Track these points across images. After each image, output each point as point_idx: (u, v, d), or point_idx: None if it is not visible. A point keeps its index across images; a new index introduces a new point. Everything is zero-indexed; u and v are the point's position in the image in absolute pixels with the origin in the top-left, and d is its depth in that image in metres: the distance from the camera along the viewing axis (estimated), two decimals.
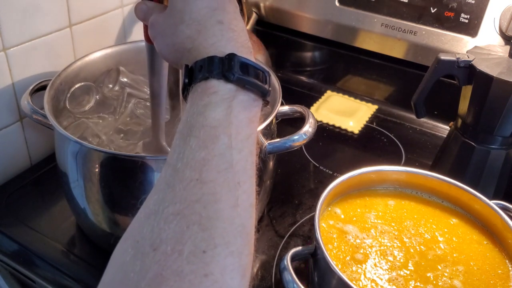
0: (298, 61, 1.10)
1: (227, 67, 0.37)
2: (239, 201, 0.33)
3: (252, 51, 0.41)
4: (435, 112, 0.94)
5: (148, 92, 0.75)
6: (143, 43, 0.53)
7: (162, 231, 0.31)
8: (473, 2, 0.84)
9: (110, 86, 0.73)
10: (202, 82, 0.37)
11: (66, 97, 0.68)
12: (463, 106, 0.70)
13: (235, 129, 0.36)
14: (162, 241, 0.30)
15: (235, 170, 0.34)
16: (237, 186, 0.34)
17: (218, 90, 0.37)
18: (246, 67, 0.38)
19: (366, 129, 0.93)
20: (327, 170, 0.82)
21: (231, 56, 0.38)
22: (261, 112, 0.40)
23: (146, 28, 0.51)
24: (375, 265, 0.52)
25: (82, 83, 0.70)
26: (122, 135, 0.68)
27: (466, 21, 0.86)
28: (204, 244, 0.30)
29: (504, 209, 0.57)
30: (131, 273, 0.30)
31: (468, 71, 0.66)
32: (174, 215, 0.31)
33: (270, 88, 0.40)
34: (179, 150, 0.35)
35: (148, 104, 0.69)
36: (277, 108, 0.61)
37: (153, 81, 0.56)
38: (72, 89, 0.68)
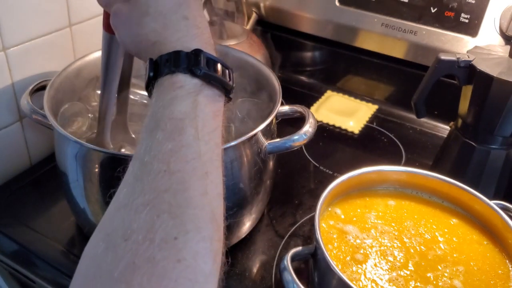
0: (298, 61, 1.10)
1: (194, 62, 0.37)
2: (207, 190, 0.34)
3: (215, 49, 0.41)
4: (436, 112, 0.94)
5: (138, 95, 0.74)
6: None
7: (132, 221, 0.31)
8: (473, 2, 0.84)
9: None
10: (168, 76, 0.38)
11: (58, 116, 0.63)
12: (464, 106, 0.70)
13: (201, 122, 0.36)
14: (133, 231, 0.30)
15: (203, 160, 0.34)
16: (205, 176, 0.34)
17: (184, 85, 0.37)
18: (212, 63, 0.38)
19: (366, 129, 0.93)
20: (327, 170, 0.81)
21: (198, 52, 0.38)
22: (224, 108, 0.40)
23: (106, 15, 0.49)
24: (375, 265, 0.52)
25: (69, 103, 0.65)
26: None
27: (466, 21, 0.85)
28: (175, 231, 0.30)
29: (505, 209, 0.57)
30: (103, 264, 0.30)
31: (468, 71, 0.66)
32: (144, 205, 0.31)
33: (234, 85, 0.40)
34: (146, 144, 0.35)
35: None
36: (277, 108, 0.61)
37: (106, 73, 0.55)
38: (61, 109, 0.64)
